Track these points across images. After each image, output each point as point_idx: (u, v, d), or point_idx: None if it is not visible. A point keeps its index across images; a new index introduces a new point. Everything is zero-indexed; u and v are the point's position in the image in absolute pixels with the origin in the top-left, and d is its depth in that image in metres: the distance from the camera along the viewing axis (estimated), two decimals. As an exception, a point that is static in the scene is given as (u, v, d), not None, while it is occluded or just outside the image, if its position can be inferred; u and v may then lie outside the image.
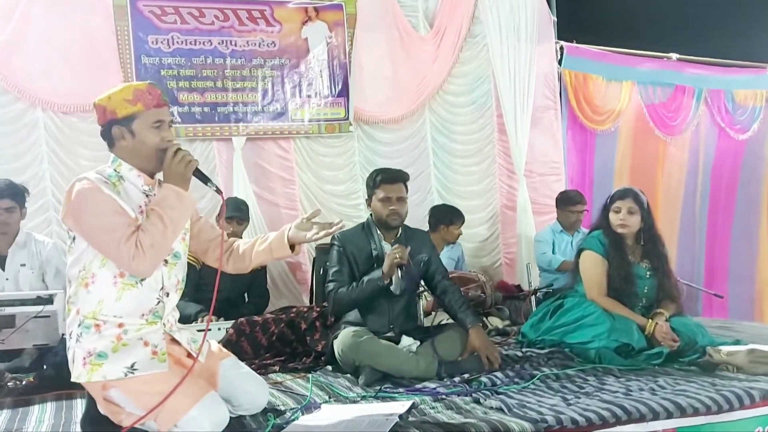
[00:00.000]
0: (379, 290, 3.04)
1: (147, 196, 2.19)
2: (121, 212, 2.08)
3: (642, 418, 2.22)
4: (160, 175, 2.23)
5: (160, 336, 2.17)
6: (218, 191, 2.28)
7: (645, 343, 3.05)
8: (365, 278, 3.07)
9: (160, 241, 2.06)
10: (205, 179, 2.24)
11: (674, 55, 6.19)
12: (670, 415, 2.24)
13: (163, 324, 2.20)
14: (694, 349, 3.00)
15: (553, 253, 4.80)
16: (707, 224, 6.38)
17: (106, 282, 2.10)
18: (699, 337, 3.07)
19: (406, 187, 3.23)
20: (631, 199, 3.27)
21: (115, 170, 2.18)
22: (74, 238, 2.13)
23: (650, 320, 3.11)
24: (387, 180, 3.18)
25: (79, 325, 2.10)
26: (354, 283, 3.10)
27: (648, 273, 3.28)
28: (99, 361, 2.06)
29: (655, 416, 2.23)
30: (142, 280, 2.13)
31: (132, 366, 2.07)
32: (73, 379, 2.10)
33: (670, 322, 3.11)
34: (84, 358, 2.07)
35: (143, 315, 2.15)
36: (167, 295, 2.22)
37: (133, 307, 2.13)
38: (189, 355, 2.25)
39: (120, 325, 2.10)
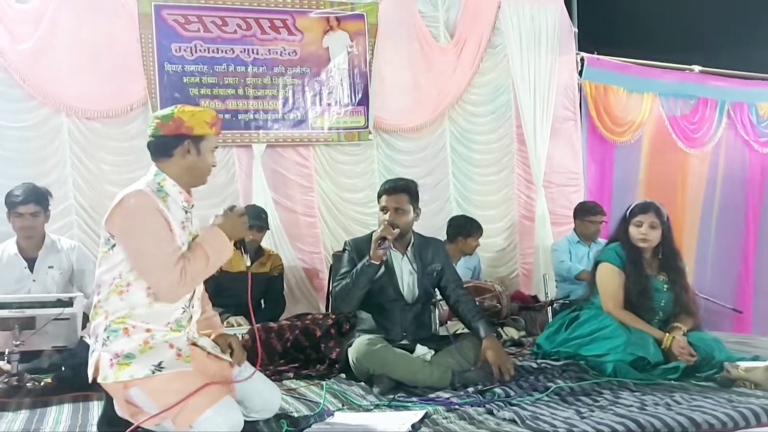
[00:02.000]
0: (370, 273, 3.01)
1: (186, 212, 2.32)
2: (170, 237, 2.19)
3: (656, 433, 2.20)
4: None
5: (184, 341, 2.25)
6: (248, 268, 2.44)
7: (661, 357, 3.02)
8: (355, 268, 3.06)
9: (197, 277, 2.21)
10: (245, 249, 2.42)
11: (696, 67, 6.13)
12: (685, 431, 2.21)
13: (187, 332, 2.28)
14: (711, 364, 2.96)
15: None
16: (730, 238, 6.27)
17: (140, 291, 2.17)
18: (716, 352, 3.03)
19: (412, 197, 3.16)
20: (653, 213, 3.24)
21: (159, 184, 2.28)
22: (113, 246, 2.19)
23: (667, 334, 3.08)
24: (387, 190, 3.16)
25: (106, 329, 2.16)
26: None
27: (665, 286, 3.25)
28: (126, 361, 2.13)
29: (670, 431, 2.20)
30: None
31: (159, 364, 2.13)
32: (99, 381, 2.15)
33: (687, 337, 3.07)
34: (111, 360, 2.13)
35: (168, 323, 2.22)
36: (193, 306, 2.32)
37: (161, 316, 2.21)
38: (209, 355, 2.32)
39: (147, 330, 2.17)
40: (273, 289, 4.22)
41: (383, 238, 3.00)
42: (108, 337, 2.15)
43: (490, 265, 5.27)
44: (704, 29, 6.11)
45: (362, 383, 2.95)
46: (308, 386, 2.98)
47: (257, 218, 4.14)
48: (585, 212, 4.81)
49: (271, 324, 3.51)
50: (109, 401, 2.26)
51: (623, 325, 3.12)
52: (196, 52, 4.62)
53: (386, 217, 3.09)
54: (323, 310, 4.60)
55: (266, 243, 4.41)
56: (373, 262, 3.00)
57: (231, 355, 2.37)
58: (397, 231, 3.06)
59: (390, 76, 5.13)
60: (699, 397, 2.57)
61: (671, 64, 6.06)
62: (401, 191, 3.15)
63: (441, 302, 3.59)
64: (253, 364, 2.45)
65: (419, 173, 4.92)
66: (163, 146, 2.30)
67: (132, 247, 2.15)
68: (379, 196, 3.20)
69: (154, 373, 2.11)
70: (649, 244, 3.25)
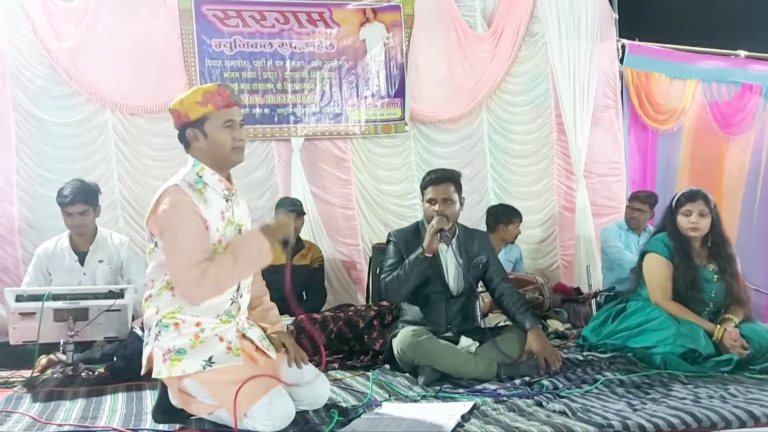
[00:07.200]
0: (423, 265, 2.99)
1: (227, 201, 2.29)
2: (203, 237, 2.16)
3: (713, 427, 2.16)
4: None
5: (234, 333, 2.26)
6: (286, 263, 2.33)
7: (713, 349, 2.95)
8: (408, 259, 3.04)
9: (222, 280, 2.15)
10: (286, 244, 2.28)
11: (742, 52, 5.95)
12: (743, 424, 2.17)
13: (236, 322, 2.29)
14: (765, 356, 2.90)
15: None
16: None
17: None
18: (771, 344, 2.96)
19: (457, 186, 3.16)
20: (702, 201, 3.18)
21: (198, 175, 2.26)
22: (156, 244, 2.22)
23: (718, 326, 3.01)
24: (433, 181, 3.14)
25: (157, 324, 2.20)
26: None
27: (715, 276, 3.18)
28: (178, 357, 2.16)
29: (728, 425, 2.16)
30: None
31: (210, 359, 2.16)
32: (154, 376, 2.19)
33: (739, 329, 3.00)
34: (164, 355, 2.16)
35: (218, 315, 2.25)
36: (241, 296, 2.33)
37: (211, 309, 2.23)
38: (258, 349, 2.33)
39: (197, 324, 2.20)
40: (314, 281, 4.25)
41: (441, 230, 2.99)
42: (160, 332, 2.19)
43: (529, 257, 5.21)
44: (750, 12, 5.92)
45: (407, 374, 2.96)
46: (354, 377, 2.99)
47: (294, 205, 4.17)
48: (633, 199, 4.71)
49: (315, 315, 3.53)
50: (163, 390, 2.30)
51: (672, 317, 3.06)
52: (235, 47, 4.67)
53: (436, 208, 3.07)
54: (362, 301, 4.62)
55: (305, 235, 4.44)
56: (426, 254, 2.99)
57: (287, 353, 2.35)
58: (450, 222, 3.05)
59: (426, 66, 5.11)
60: (755, 390, 2.51)
61: (716, 50, 5.88)
62: (448, 181, 3.14)
63: (483, 294, 3.57)
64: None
65: (457, 165, 4.87)
66: (181, 138, 2.30)
67: (165, 242, 2.16)
68: (424, 188, 3.18)
69: (204, 368, 2.14)
70: (700, 233, 3.18)
